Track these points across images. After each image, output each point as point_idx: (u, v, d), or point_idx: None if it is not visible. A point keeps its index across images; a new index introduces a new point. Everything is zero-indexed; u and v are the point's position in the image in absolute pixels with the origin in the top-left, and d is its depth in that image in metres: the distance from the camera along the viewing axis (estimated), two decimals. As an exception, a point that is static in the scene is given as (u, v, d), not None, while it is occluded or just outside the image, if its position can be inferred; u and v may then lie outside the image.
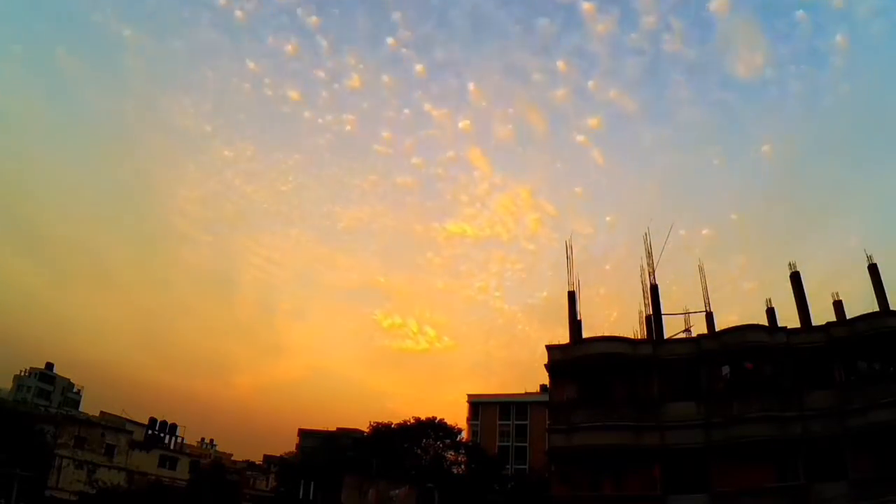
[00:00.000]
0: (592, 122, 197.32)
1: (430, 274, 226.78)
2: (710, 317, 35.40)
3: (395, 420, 69.91)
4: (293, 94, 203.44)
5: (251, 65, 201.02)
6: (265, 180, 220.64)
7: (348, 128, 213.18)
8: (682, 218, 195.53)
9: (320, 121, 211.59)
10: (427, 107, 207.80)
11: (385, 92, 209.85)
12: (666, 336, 35.16)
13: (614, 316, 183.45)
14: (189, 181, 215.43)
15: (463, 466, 66.90)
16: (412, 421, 68.15)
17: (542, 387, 74.37)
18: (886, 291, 32.52)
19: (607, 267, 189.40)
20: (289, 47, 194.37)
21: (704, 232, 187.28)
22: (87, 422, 60.91)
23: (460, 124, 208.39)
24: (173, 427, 72.09)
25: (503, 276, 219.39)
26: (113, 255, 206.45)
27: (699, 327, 35.88)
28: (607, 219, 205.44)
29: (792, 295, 34.54)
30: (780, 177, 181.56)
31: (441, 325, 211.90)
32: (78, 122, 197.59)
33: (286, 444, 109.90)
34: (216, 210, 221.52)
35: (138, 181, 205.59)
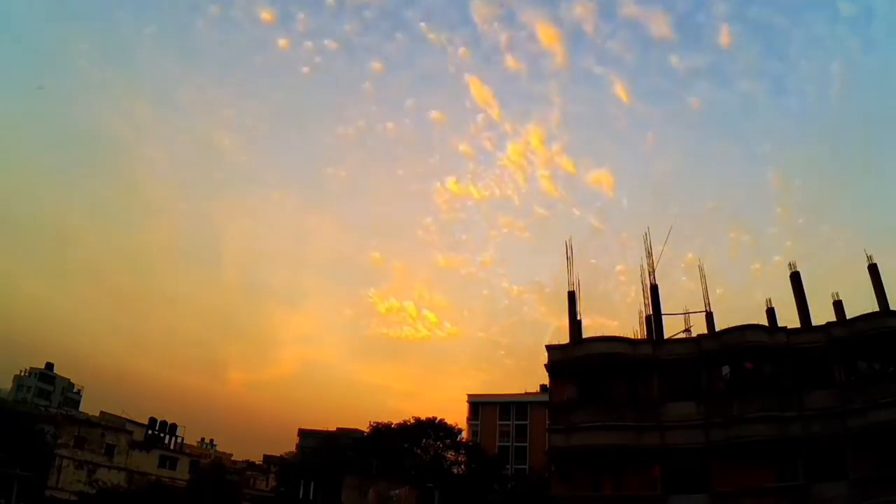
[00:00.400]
0: (616, 46, 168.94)
1: (428, 246, 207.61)
2: (710, 317, 35.35)
3: (395, 420, 70.04)
4: (265, 16, 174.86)
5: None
6: (239, 130, 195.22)
7: (330, 60, 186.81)
8: (715, 175, 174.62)
9: (297, 50, 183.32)
10: (422, 27, 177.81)
11: (372, 9, 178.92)
12: (666, 336, 35.16)
13: (632, 296, 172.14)
14: (154, 135, 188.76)
15: (463, 466, 66.92)
16: (412, 421, 68.22)
17: (542, 387, 74.35)
18: (886, 291, 32.53)
19: (625, 235, 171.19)
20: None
21: (737, 192, 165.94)
22: (87, 422, 60.99)
23: (461, 51, 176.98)
24: (173, 427, 72.09)
25: (509, 247, 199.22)
26: (82, 234, 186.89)
27: (699, 327, 35.90)
28: (632, 177, 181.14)
29: (792, 295, 34.55)
30: (831, 124, 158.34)
31: (441, 309, 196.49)
32: (18, 58, 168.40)
33: (286, 444, 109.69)
34: (188, 170, 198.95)
35: (96, 137, 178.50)
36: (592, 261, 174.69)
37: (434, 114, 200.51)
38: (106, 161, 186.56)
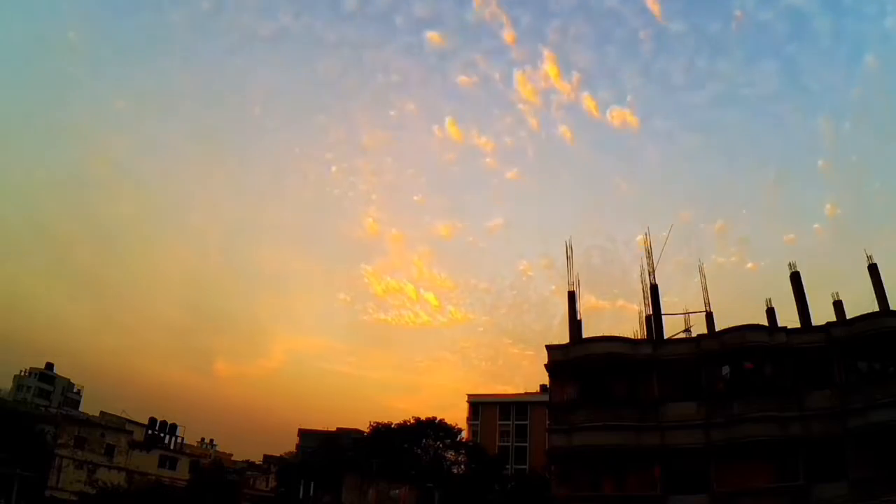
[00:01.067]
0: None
1: (426, 211, 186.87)
2: (710, 317, 35.37)
3: (395, 420, 70.00)
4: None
5: None
6: (200, 65, 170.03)
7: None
8: (757, 115, 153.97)
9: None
10: None
11: None
12: (666, 336, 35.16)
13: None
14: (109, 75, 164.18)
15: (463, 466, 66.88)
16: (412, 421, 68.18)
17: (542, 387, 74.36)
18: (886, 291, 32.53)
19: (651, 195, 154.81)
20: None
21: (781, 139, 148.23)
22: (87, 422, 61.09)
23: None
24: (173, 427, 72.31)
25: (518, 209, 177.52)
26: (44, 205, 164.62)
27: (699, 327, 35.91)
28: (660, 117, 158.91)
29: (792, 295, 34.55)
30: (890, 56, 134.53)
31: (442, 289, 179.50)
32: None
33: (286, 444, 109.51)
34: (151, 122, 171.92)
35: (43, 81, 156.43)
36: (611, 230, 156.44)
37: (430, 34, 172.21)
38: (60, 112, 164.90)
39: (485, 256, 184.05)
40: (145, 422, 69.72)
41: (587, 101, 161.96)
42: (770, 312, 37.59)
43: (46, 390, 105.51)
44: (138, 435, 63.07)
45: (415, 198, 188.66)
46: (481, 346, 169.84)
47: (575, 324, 35.89)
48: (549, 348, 34.85)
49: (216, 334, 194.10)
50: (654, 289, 36.08)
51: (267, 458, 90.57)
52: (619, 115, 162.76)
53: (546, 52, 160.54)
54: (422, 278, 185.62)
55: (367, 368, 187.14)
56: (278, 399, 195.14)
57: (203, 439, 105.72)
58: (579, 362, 33.41)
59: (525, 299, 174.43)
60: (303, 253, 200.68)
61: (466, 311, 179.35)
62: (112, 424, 61.71)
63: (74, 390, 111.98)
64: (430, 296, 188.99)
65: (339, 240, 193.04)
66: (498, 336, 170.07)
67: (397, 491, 54.52)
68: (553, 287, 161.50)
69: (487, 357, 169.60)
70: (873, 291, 32.78)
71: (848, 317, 33.05)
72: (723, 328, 33.19)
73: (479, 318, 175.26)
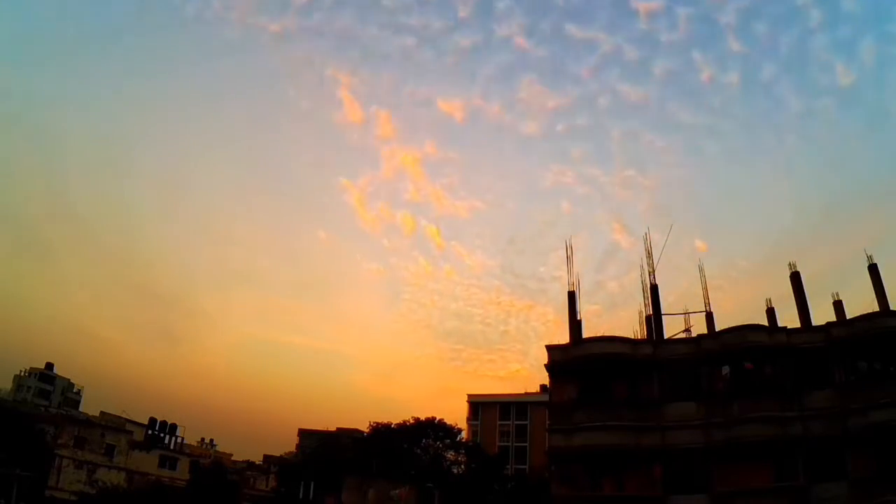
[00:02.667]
0: None
1: (425, 69, 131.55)
2: (710, 317, 35.39)
3: (395, 419, 70.04)
4: None
5: None
6: None
7: None
8: None
9: None
10: None
11: None
12: (666, 336, 35.16)
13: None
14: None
15: (463, 466, 66.87)
16: (412, 421, 68.18)
17: (542, 387, 74.41)
18: (886, 291, 32.54)
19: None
20: None
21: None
22: (87, 422, 61.12)
23: None
24: (173, 427, 72.33)
25: (562, 56, 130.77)
26: None
27: (699, 327, 35.91)
28: None
29: (792, 295, 34.53)
30: None
31: (446, 214, 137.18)
32: None
33: (286, 444, 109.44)
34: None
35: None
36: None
37: None
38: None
39: (504, 143, 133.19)
40: (145, 422, 69.79)
41: None
42: (770, 312, 37.61)
43: (46, 390, 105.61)
44: (138, 435, 63.12)
45: (407, 42, 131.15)
46: (489, 305, 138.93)
47: (575, 324, 35.90)
48: (549, 348, 34.90)
49: (172, 314, 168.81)
50: (654, 289, 36.08)
51: (267, 458, 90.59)
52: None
53: None
54: (420, 197, 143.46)
55: (354, 346, 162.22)
56: (271, 399, 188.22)
57: (203, 439, 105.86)
58: (579, 362, 33.40)
59: (547, 223, 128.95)
60: (255, 160, 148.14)
61: (474, 248, 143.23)
62: (112, 424, 61.77)
63: (74, 390, 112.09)
64: (431, 228, 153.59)
65: (304, 126, 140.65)
66: (514, 295, 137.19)
67: (397, 491, 54.48)
68: (599, 212, 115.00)
69: (497, 320, 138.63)
70: (873, 291, 32.80)
71: (848, 317, 33.06)
72: (723, 328, 33.22)
73: (490, 262, 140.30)
